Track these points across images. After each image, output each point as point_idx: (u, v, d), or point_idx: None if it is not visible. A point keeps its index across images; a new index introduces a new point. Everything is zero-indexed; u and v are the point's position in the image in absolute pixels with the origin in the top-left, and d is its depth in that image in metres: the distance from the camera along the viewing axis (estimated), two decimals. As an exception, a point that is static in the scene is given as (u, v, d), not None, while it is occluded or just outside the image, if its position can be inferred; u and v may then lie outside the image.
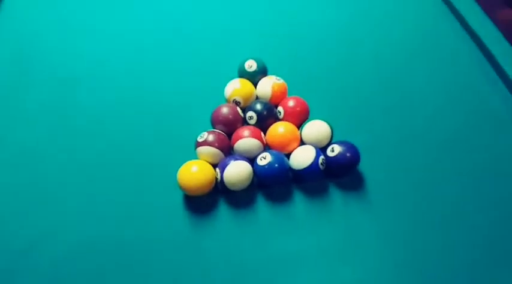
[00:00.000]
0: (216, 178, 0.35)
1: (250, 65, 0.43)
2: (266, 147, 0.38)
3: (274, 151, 0.37)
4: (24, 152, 0.40)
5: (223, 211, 0.35)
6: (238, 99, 0.41)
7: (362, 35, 0.55)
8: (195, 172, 0.35)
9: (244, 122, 0.40)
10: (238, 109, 0.40)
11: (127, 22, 0.56)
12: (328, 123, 0.39)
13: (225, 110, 0.39)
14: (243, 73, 0.44)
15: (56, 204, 0.36)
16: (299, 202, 0.37)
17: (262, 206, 0.36)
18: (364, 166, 0.39)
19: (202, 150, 0.36)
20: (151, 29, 0.55)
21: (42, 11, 0.57)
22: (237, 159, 0.35)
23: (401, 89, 0.48)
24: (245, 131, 0.37)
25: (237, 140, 0.37)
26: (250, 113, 0.39)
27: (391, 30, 0.55)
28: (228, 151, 0.37)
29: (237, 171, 0.35)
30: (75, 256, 0.32)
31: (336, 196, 0.37)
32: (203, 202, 0.36)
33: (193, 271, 0.31)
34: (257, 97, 0.43)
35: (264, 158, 0.36)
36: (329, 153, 0.37)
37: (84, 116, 0.43)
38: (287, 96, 0.42)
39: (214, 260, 0.32)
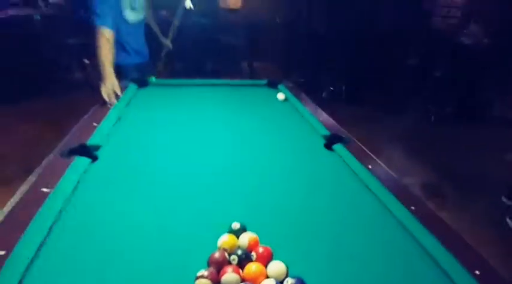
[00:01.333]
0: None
1: (236, 226, 0.66)
2: (243, 280, 0.55)
3: (248, 283, 0.53)
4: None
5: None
6: (226, 247, 0.61)
7: (313, 202, 0.82)
8: (193, 298, 0.50)
9: (229, 262, 0.58)
10: (226, 254, 0.59)
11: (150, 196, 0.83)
12: (285, 263, 0.58)
13: (216, 255, 0.59)
14: (230, 230, 0.66)
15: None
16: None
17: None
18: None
19: (200, 281, 0.53)
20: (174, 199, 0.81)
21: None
22: (222, 289, 0.52)
23: (337, 239, 0.69)
24: (229, 268, 0.55)
25: (223, 274, 0.54)
26: (233, 256, 0.59)
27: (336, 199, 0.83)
28: (217, 282, 0.54)
29: (222, 297, 0.50)
30: None
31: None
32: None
33: None
34: (239, 246, 0.63)
35: (242, 288, 0.52)
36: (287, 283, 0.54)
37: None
38: (259, 245, 0.63)
39: None
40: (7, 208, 0.68)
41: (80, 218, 0.71)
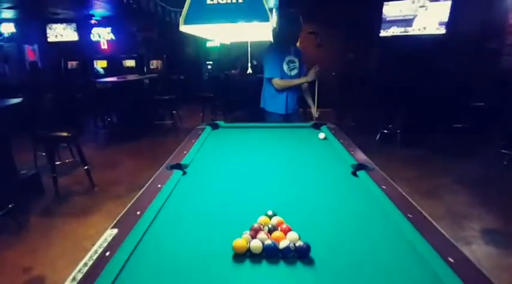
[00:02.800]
0: (248, 247, 0.83)
1: (269, 213, 0.99)
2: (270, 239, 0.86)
3: (273, 241, 0.84)
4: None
5: (249, 262, 0.80)
6: (262, 222, 0.93)
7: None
8: (240, 244, 0.83)
9: (262, 230, 0.90)
10: (261, 226, 0.92)
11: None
12: (298, 233, 0.87)
13: (256, 225, 0.91)
14: (266, 215, 0.98)
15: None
16: (285, 266, 0.79)
17: (266, 263, 0.79)
18: (313, 253, 0.81)
19: (244, 235, 0.86)
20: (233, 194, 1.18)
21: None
22: (256, 240, 0.84)
23: (338, 227, 0.94)
24: (262, 232, 0.87)
25: (258, 234, 0.86)
26: (265, 227, 0.90)
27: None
28: (254, 238, 0.86)
29: (256, 246, 0.82)
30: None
31: (300, 265, 0.78)
32: (242, 256, 0.81)
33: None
34: (270, 223, 0.94)
35: (269, 242, 0.83)
36: (296, 244, 0.83)
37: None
38: (283, 223, 0.93)
39: (246, 280, 0.74)
40: (140, 192, 1.15)
41: (178, 201, 1.13)
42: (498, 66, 4.69)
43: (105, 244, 0.84)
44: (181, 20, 0.98)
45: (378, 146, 4.21)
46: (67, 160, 3.46)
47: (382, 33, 5.81)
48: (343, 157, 1.59)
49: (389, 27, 5.78)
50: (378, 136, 4.47)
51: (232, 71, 6.40)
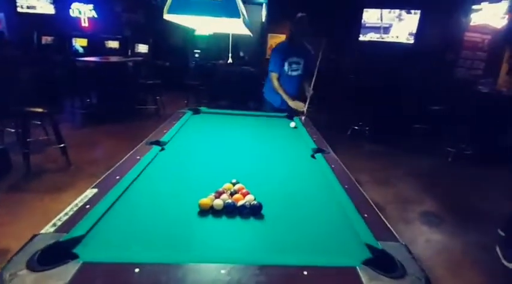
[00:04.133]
0: (211, 205, 0.98)
1: (233, 181, 1.14)
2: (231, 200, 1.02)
3: (233, 201, 1.00)
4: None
5: (211, 216, 0.95)
6: (226, 188, 1.09)
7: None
8: (205, 201, 0.98)
9: (226, 193, 1.06)
10: (225, 190, 1.07)
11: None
12: (254, 196, 1.03)
13: (220, 189, 1.07)
14: (230, 182, 1.14)
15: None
16: (240, 220, 0.95)
17: (226, 218, 0.95)
18: (264, 210, 0.98)
19: (210, 196, 1.01)
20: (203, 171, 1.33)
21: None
22: (218, 199, 0.99)
23: (289, 194, 1.12)
24: (224, 194, 1.03)
25: (221, 196, 1.02)
26: (228, 192, 1.06)
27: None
28: (218, 198, 1.01)
29: (218, 203, 0.98)
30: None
31: (252, 219, 0.95)
32: (206, 212, 0.96)
33: (196, 235, 0.88)
34: (233, 189, 1.10)
35: (229, 201, 0.99)
36: (251, 203, 0.99)
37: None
38: (243, 189, 1.09)
39: (207, 229, 0.90)
40: (120, 162, 1.26)
41: (155, 170, 1.26)
42: (453, 75, 5.15)
43: (85, 200, 0.96)
44: (165, 9, 1.09)
45: (348, 140, 4.49)
46: (40, 138, 3.38)
47: (361, 38, 6.09)
48: (307, 142, 1.78)
49: (367, 33, 6.07)
50: (349, 131, 4.76)
51: (220, 61, 6.43)
